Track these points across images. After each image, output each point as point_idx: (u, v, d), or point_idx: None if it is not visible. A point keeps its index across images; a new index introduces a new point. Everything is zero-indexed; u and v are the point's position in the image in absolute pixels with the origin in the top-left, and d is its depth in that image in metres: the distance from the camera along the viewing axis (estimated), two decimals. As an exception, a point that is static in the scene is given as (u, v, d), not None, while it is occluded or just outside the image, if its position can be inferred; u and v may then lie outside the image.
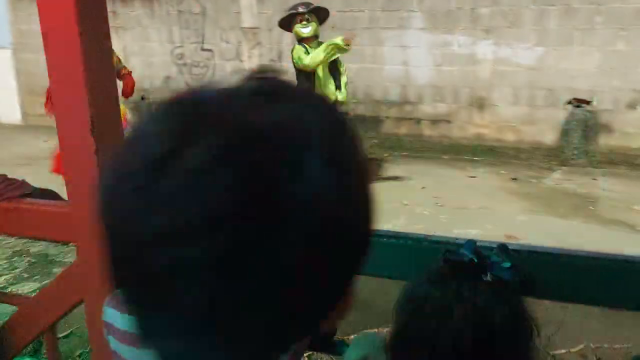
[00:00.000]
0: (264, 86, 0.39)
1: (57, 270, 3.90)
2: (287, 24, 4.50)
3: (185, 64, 7.66)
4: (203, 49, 7.52)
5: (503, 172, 5.82)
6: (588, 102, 5.90)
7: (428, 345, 0.85)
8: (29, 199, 1.19)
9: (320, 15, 4.49)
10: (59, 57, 1.04)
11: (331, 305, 0.41)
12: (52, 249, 4.27)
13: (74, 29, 1.00)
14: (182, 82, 7.71)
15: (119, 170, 0.36)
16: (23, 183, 1.26)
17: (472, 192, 5.23)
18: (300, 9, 4.35)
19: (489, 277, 0.86)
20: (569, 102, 5.97)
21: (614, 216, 4.46)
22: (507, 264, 0.88)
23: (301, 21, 4.35)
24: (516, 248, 0.95)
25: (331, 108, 0.41)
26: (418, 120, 6.65)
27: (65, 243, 4.27)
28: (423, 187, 5.34)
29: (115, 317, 0.98)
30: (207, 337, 0.37)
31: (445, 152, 6.52)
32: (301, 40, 4.41)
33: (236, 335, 0.37)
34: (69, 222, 1.13)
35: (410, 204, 4.89)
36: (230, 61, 7.40)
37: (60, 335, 2.76)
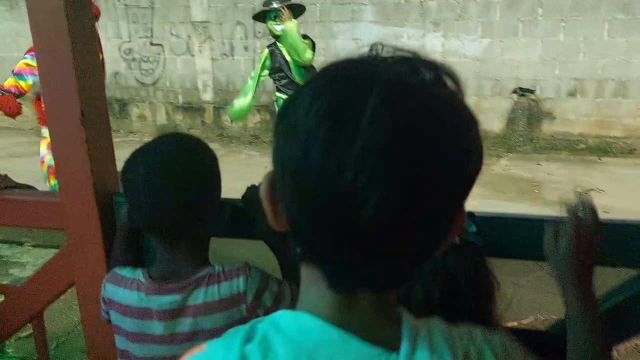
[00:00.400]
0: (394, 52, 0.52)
1: (13, 270, 3.82)
2: (261, 18, 4.46)
3: (134, 59, 7.55)
4: (152, 44, 7.43)
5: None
6: (532, 92, 6.19)
7: (401, 300, 0.96)
8: (19, 190, 1.22)
9: (295, 11, 4.41)
10: (48, 49, 1.07)
11: (451, 226, 0.51)
12: (5, 250, 4.18)
13: (63, 21, 1.04)
14: (131, 78, 7.60)
15: (313, 117, 0.46)
16: (6, 177, 1.29)
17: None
18: (275, 5, 4.29)
19: (457, 241, 0.97)
20: (514, 92, 6.25)
21: (557, 198, 4.73)
22: (473, 229, 0.99)
23: (275, 18, 4.30)
24: (480, 215, 1.06)
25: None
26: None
27: (20, 244, 4.19)
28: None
29: (116, 292, 1.04)
30: (384, 249, 0.47)
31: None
32: (275, 37, 4.39)
33: (405, 248, 0.48)
34: (60, 211, 1.17)
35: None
36: (181, 56, 7.34)
37: (24, 334, 2.74)
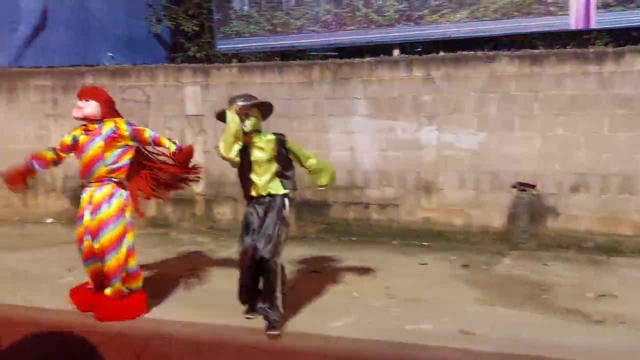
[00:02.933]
0: None
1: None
2: (224, 117, 4.14)
3: (127, 151, 7.42)
4: (147, 137, 7.33)
5: (453, 257, 5.70)
6: (533, 186, 5.95)
7: None
8: None
9: (264, 110, 4.08)
10: None
11: None
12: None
13: None
14: (124, 169, 7.45)
15: None
16: None
17: (424, 280, 5.06)
18: (240, 102, 4.03)
19: None
20: (514, 186, 6.01)
21: (568, 305, 4.34)
22: None
23: (239, 116, 3.91)
24: None
25: None
26: (366, 205, 6.55)
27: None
28: (374, 276, 5.13)
29: None
30: None
31: (394, 237, 6.38)
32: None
33: None
34: None
35: (361, 295, 4.65)
36: (174, 148, 7.21)
37: None
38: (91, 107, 4.11)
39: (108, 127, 4.12)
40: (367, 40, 7.18)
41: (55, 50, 9.46)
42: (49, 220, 7.43)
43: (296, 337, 3.93)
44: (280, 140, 4.03)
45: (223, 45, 8.02)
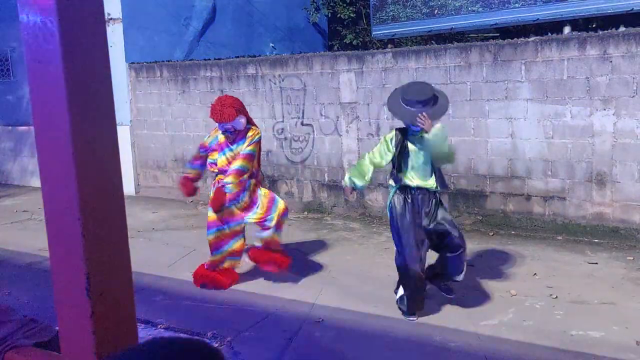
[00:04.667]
0: None
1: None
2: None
3: (285, 139, 7.74)
4: (303, 124, 7.57)
5: (630, 258, 5.08)
6: None
7: None
8: (22, 352, 1.02)
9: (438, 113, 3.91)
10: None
11: None
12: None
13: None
14: (282, 156, 7.77)
15: None
16: (43, 329, 1.10)
17: (593, 282, 4.58)
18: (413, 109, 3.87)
19: None
20: None
21: None
22: None
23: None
24: None
25: None
26: (527, 197, 6.10)
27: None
28: (534, 274, 4.77)
29: None
30: None
31: (559, 232, 5.87)
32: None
33: None
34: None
35: (520, 294, 4.35)
36: (329, 135, 7.35)
37: None
38: (241, 124, 4.59)
39: (256, 135, 4.63)
40: (532, 18, 6.64)
41: (222, 43, 10.19)
42: (216, 202, 8.03)
43: (447, 332, 3.79)
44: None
45: (379, 31, 7.96)
